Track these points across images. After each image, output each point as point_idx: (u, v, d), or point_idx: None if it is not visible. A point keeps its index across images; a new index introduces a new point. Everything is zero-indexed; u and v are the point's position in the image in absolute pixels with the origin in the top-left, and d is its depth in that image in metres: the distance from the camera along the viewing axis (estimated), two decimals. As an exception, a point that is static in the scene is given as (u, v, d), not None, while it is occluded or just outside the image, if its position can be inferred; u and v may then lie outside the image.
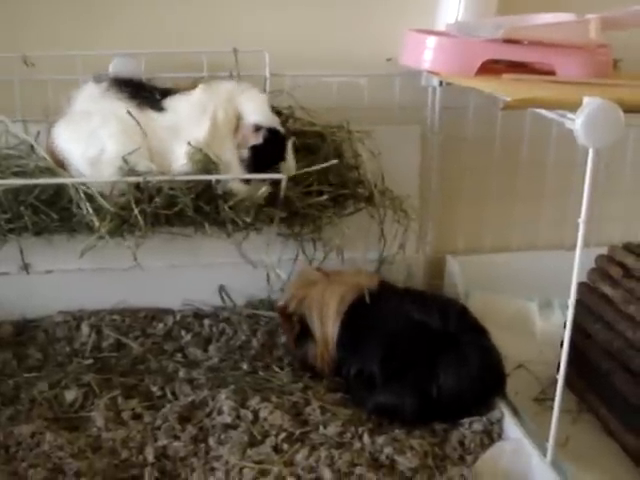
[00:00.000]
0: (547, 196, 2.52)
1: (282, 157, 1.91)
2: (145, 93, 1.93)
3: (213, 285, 2.40)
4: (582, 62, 2.01)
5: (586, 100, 1.46)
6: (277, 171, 1.88)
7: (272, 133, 1.91)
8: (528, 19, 2.15)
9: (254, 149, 1.90)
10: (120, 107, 1.87)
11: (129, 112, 1.85)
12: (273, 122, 1.93)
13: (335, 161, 1.97)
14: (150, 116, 1.89)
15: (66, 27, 2.19)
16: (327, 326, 2.08)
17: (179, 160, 1.88)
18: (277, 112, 1.99)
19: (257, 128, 1.90)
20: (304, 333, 2.11)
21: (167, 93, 1.94)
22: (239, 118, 1.92)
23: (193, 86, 1.97)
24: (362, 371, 1.97)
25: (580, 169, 1.56)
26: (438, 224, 2.48)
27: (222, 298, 2.41)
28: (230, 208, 1.86)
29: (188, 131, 1.89)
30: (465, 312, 2.04)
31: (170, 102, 1.92)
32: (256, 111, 1.92)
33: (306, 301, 2.11)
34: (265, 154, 1.90)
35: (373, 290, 2.06)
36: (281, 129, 1.93)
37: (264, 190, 1.88)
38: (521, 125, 2.42)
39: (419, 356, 1.91)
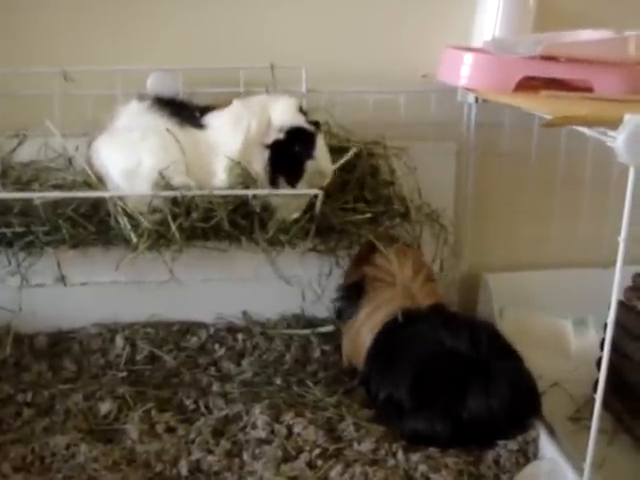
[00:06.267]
0: (583, 213, 2.49)
1: (309, 155, 1.87)
2: (186, 111, 1.94)
3: (247, 299, 2.40)
4: (621, 79, 2.00)
5: (627, 117, 1.43)
6: (304, 170, 1.87)
7: (295, 129, 1.88)
8: (566, 36, 2.14)
9: (275, 145, 1.87)
10: (161, 123, 1.89)
11: (168, 129, 1.87)
12: (298, 121, 1.89)
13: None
14: (191, 132, 1.90)
15: (105, 42, 2.22)
16: (358, 332, 2.09)
17: (218, 174, 1.88)
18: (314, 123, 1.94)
19: (282, 129, 1.89)
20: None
21: (206, 110, 1.95)
22: (270, 125, 1.91)
23: (230, 102, 1.98)
24: (392, 396, 1.93)
25: (616, 186, 1.55)
26: (473, 241, 2.47)
27: (246, 321, 2.42)
28: (262, 228, 1.86)
29: (225, 146, 1.89)
30: (496, 335, 2.00)
31: (209, 119, 1.93)
32: (283, 114, 1.90)
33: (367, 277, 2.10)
34: (287, 150, 1.87)
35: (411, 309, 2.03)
36: (308, 127, 1.89)
37: (301, 204, 1.88)
38: (557, 142, 2.40)
39: (449, 383, 1.87)
